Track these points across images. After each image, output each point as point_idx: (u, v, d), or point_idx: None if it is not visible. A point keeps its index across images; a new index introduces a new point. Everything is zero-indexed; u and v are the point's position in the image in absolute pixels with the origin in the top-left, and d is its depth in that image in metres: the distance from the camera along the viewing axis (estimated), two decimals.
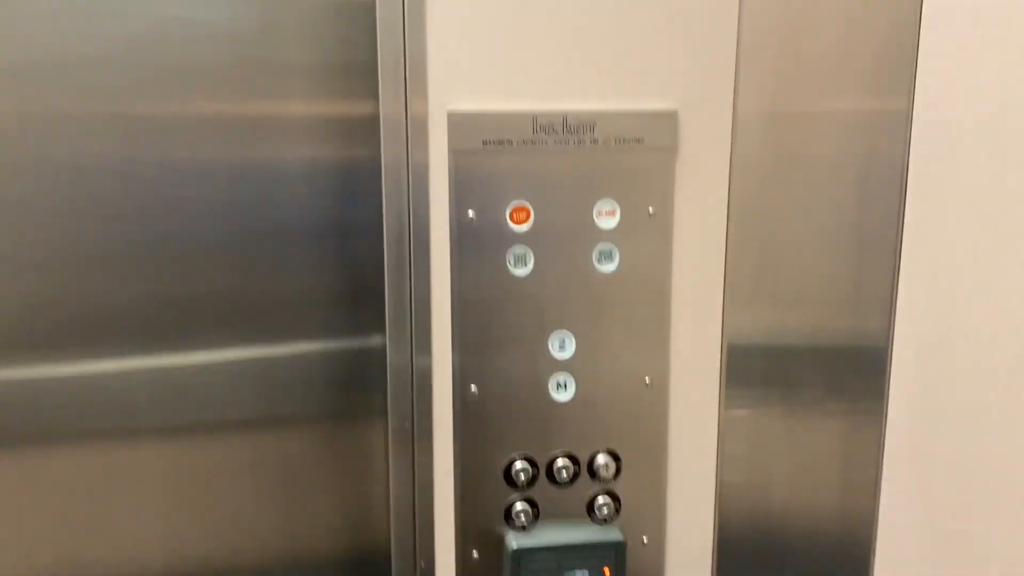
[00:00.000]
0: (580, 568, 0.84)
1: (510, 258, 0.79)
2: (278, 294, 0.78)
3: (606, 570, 0.85)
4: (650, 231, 0.81)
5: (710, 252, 0.82)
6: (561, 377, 0.82)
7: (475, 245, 0.79)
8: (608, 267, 0.81)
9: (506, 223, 0.79)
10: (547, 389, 0.82)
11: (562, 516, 0.85)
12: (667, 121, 0.79)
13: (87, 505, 0.78)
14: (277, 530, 0.83)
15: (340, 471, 0.83)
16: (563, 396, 0.83)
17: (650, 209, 0.80)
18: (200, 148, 0.74)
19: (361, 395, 0.82)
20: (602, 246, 0.80)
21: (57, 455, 0.76)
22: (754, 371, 0.85)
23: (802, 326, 0.86)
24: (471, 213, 0.79)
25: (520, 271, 0.80)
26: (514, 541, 0.84)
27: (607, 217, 0.80)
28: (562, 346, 0.82)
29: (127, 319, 0.74)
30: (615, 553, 0.85)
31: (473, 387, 0.82)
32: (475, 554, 0.85)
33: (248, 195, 0.75)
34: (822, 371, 0.86)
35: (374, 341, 0.81)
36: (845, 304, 0.85)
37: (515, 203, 0.79)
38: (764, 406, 0.86)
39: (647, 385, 0.84)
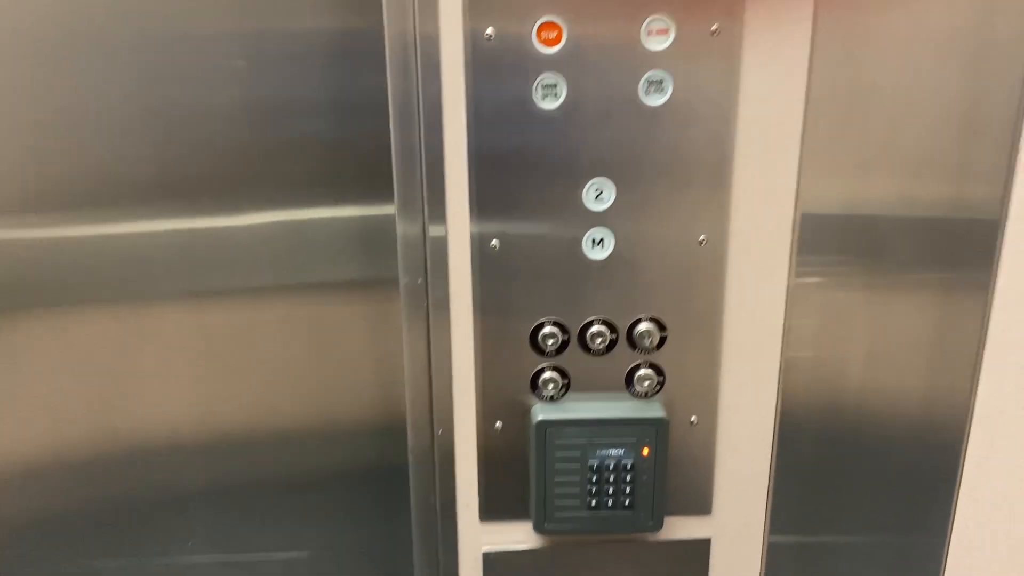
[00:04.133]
0: (615, 446, 0.76)
1: (537, 89, 0.67)
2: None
3: (645, 450, 0.76)
4: (712, 55, 0.66)
5: (787, 82, 0.67)
6: (597, 232, 0.70)
7: (494, 71, 0.66)
8: (658, 100, 0.67)
9: (532, 44, 0.66)
10: (580, 245, 0.71)
11: (597, 389, 0.76)
12: None
13: (116, 367, 0.75)
14: (300, 396, 0.78)
15: (361, 338, 0.76)
16: (599, 254, 0.72)
17: (713, 27, 0.65)
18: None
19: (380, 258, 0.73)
20: (651, 73, 0.66)
21: (86, 317, 0.74)
22: (830, 235, 0.72)
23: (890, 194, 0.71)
24: (489, 31, 0.66)
25: (549, 104, 0.67)
26: (540, 412, 0.75)
27: (658, 37, 0.66)
28: (599, 196, 0.70)
29: (152, 181, 0.71)
30: (656, 431, 0.75)
31: (494, 241, 0.71)
32: (498, 425, 0.77)
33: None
34: (915, 239, 0.73)
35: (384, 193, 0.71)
36: (945, 172, 0.69)
37: (544, 19, 0.65)
38: (841, 274, 0.73)
39: (701, 244, 0.72)
